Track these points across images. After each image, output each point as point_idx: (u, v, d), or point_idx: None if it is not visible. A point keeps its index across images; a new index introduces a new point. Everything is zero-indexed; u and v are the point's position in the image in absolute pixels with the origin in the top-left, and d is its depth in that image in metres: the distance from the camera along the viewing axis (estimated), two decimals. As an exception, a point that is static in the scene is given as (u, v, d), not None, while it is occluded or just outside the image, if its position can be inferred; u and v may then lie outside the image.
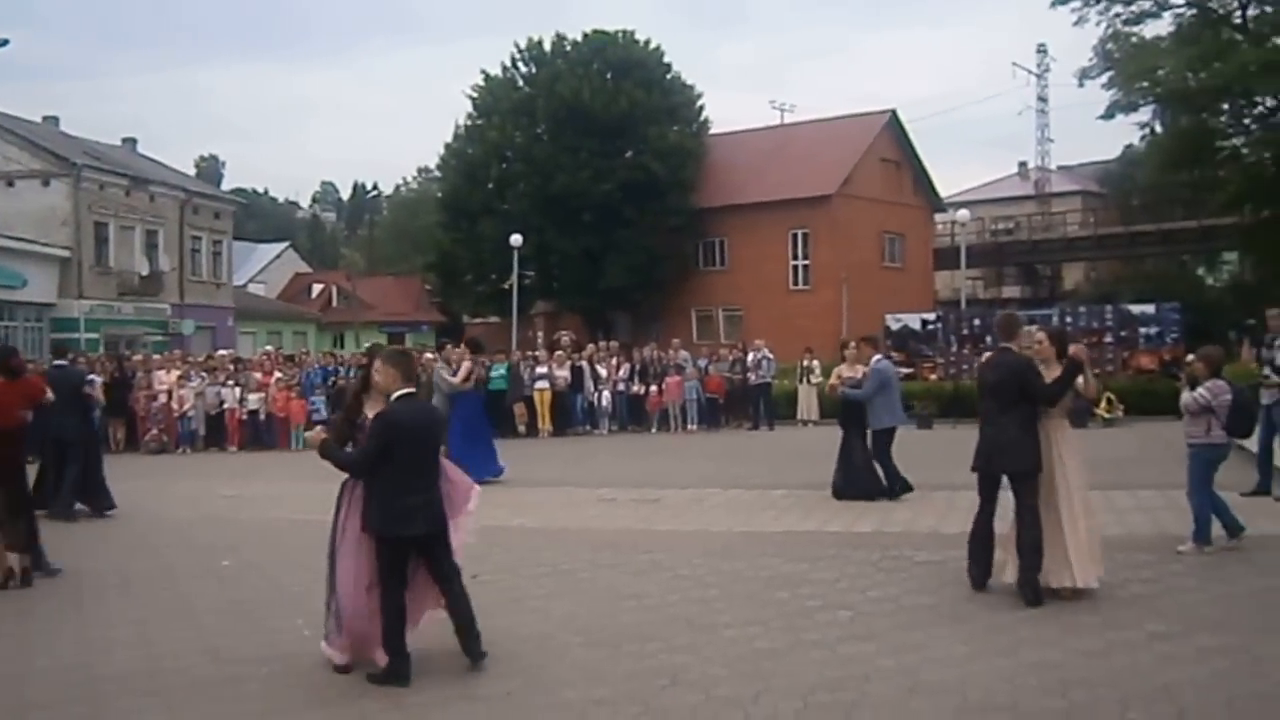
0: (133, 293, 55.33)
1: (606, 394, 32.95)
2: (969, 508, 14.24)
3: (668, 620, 10.07)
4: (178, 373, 32.48)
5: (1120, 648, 8.61)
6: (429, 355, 29.79)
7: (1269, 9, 50.89)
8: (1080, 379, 10.64)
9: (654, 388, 32.99)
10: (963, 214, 49.59)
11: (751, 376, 33.16)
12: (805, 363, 33.33)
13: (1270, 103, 51.65)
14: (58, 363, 19.32)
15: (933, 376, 33.99)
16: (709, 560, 12.79)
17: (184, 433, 31.68)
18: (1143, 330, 32.80)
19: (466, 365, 22.05)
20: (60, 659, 9.55)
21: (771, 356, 33.52)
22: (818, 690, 7.86)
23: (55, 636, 10.35)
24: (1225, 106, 52.29)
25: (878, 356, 17.96)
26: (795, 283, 61.42)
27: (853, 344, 18.54)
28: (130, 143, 65.85)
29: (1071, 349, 10.85)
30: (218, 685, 8.67)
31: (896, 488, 17.05)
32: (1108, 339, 32.79)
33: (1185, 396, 12.41)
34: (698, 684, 8.13)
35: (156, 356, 36.41)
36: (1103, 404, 30.22)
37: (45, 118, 59.71)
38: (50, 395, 14.93)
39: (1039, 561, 10.24)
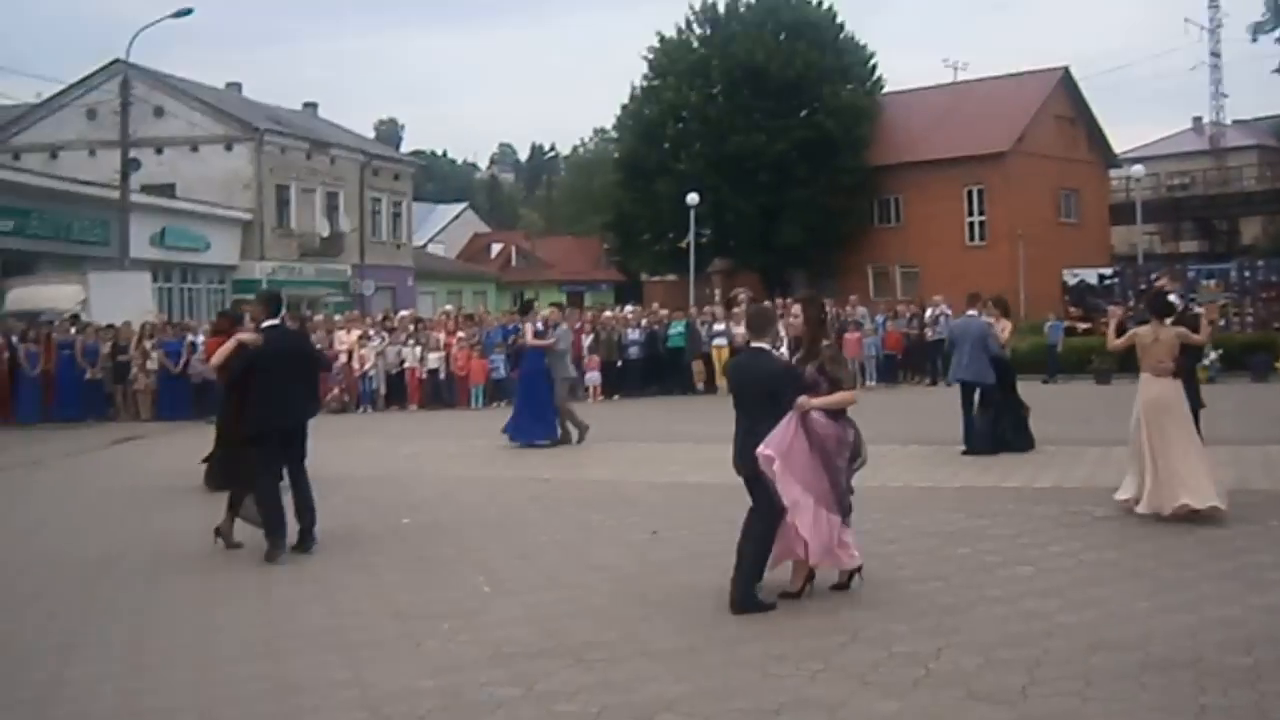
0: (313, 254, 56.25)
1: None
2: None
3: (848, 576, 10.07)
4: (358, 332, 32.98)
5: (1308, 603, 8.38)
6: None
7: None
8: None
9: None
10: (1137, 169, 48.89)
11: (929, 333, 32.94)
12: (983, 319, 33.05)
13: None
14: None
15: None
16: (888, 515, 12.72)
17: (365, 392, 32.09)
18: (1323, 279, 32.09)
19: (528, 327, 21.92)
20: (243, 616, 9.88)
21: (949, 312, 33.21)
22: (999, 647, 7.81)
23: (240, 596, 10.65)
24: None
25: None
26: (971, 239, 60.52)
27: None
28: (311, 108, 67.17)
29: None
30: (396, 641, 8.88)
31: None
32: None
33: None
34: (878, 640, 8.13)
35: (338, 317, 37.09)
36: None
37: (228, 84, 61.06)
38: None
39: None
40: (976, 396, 17.65)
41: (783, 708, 6.86)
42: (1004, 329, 16.88)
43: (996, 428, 17.43)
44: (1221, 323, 33.45)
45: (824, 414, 9.35)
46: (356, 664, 8.28)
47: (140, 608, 10.37)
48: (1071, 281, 35.27)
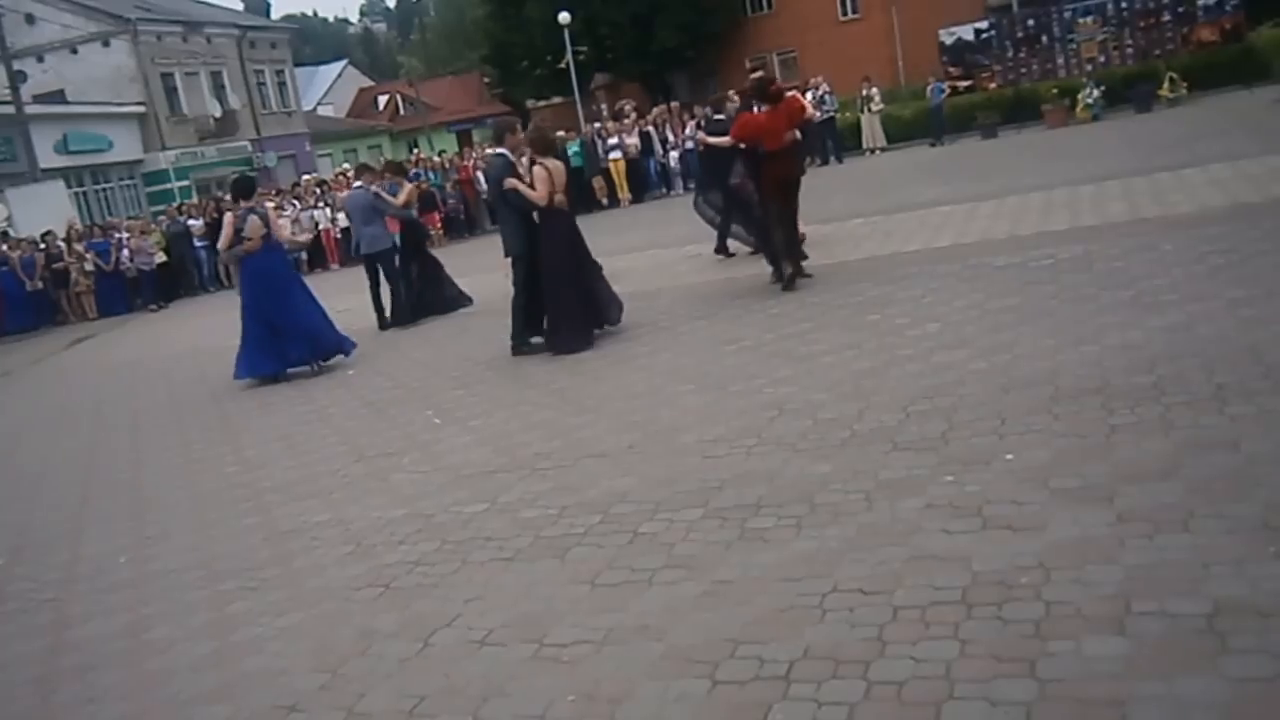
0: (211, 136, 56.65)
1: (675, 155, 33.20)
2: (1042, 208, 14.71)
3: (768, 357, 10.42)
4: (271, 204, 33.25)
5: (1202, 319, 8.73)
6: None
7: None
8: None
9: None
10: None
11: (815, 114, 33.24)
12: (865, 92, 33.41)
13: None
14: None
15: (992, 86, 33.89)
16: (796, 296, 13.18)
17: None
18: (1201, 1, 32.40)
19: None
20: (223, 479, 10.29)
21: (831, 91, 33.56)
22: (917, 400, 8.14)
23: (217, 460, 11.09)
24: None
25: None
26: (844, 13, 60.58)
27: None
28: (174, -13, 66.09)
29: None
30: (364, 480, 9.24)
31: None
32: (1165, 18, 32.51)
33: None
34: (803, 411, 8.47)
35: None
36: (1165, 85, 30.21)
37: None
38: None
39: None
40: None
41: (725, 483, 7.24)
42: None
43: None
44: (1101, 59, 33.84)
45: None
46: (333, 505, 8.70)
47: (130, 483, 10.88)
48: (949, 41, 35.36)
